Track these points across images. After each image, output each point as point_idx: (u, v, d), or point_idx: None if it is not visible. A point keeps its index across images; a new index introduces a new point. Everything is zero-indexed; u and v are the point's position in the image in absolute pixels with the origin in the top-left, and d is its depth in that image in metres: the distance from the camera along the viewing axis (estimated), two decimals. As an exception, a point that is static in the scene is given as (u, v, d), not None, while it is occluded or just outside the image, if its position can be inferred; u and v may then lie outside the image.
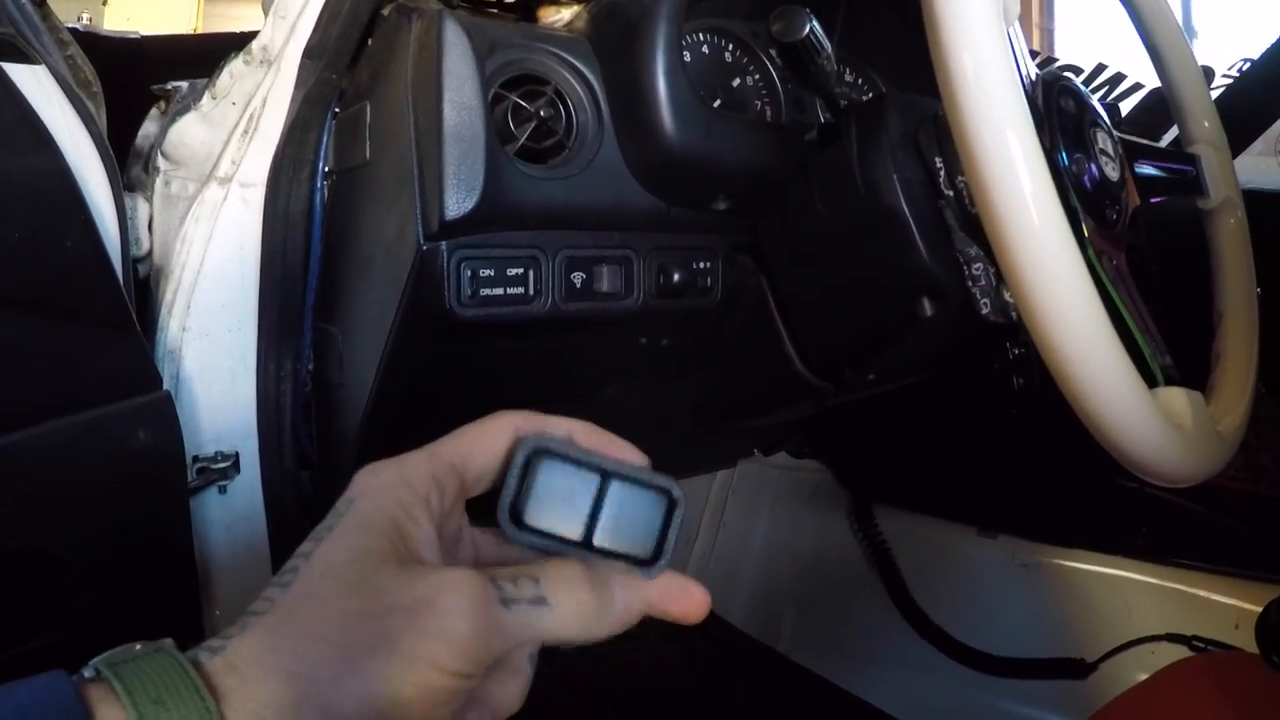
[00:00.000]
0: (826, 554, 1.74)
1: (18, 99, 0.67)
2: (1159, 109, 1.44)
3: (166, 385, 0.79)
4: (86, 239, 0.70)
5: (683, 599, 0.48)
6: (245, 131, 0.86)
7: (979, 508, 1.56)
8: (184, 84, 0.90)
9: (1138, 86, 1.60)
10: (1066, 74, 0.87)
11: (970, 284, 0.80)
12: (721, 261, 0.92)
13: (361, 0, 0.83)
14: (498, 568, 0.43)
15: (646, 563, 0.47)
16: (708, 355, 1.01)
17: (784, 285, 0.93)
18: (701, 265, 0.90)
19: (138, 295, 0.83)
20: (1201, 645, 1.33)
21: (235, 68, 0.88)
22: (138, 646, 0.39)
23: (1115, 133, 0.88)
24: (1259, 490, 1.35)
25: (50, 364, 0.68)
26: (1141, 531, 1.41)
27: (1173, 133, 1.14)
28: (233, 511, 0.88)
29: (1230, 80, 1.47)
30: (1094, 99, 0.88)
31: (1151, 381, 0.70)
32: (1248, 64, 1.47)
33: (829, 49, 0.84)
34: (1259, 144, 1.40)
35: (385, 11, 0.84)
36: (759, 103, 0.94)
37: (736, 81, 0.93)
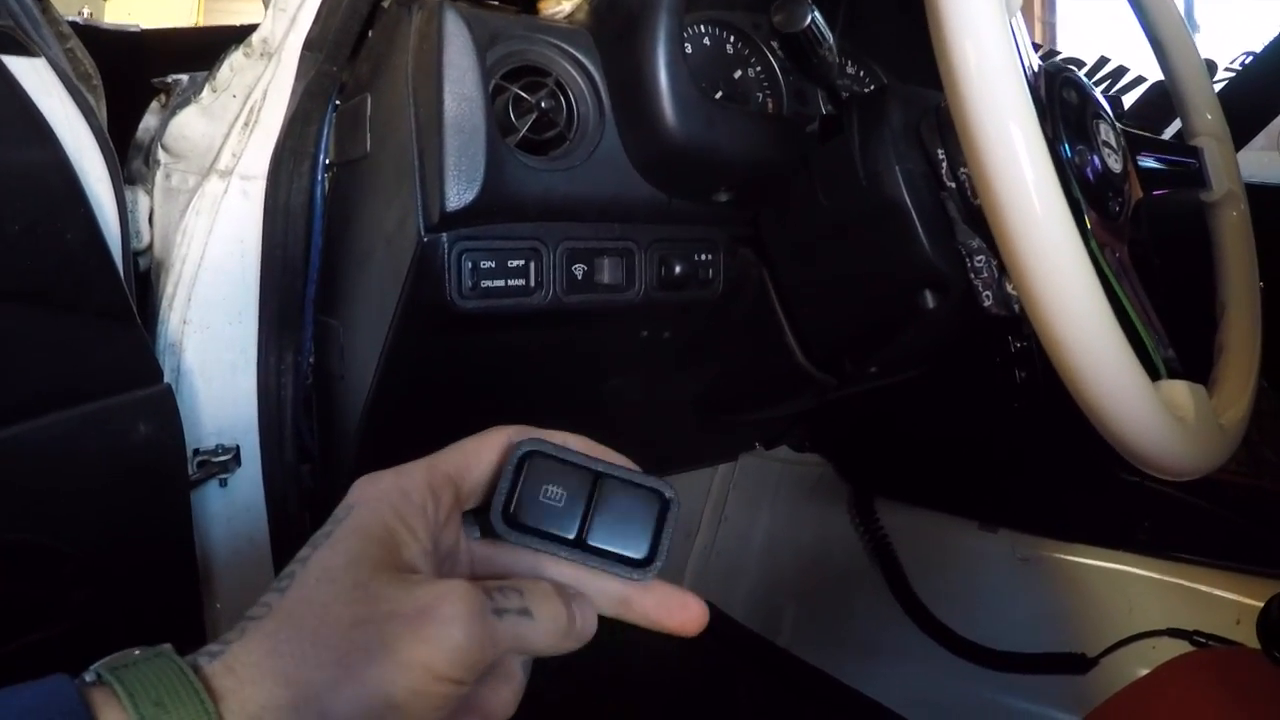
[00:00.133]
0: (828, 548, 1.74)
1: (17, 91, 0.67)
2: (1161, 102, 1.44)
3: (167, 378, 0.79)
4: (86, 231, 0.70)
5: (680, 611, 0.49)
6: (246, 124, 0.86)
7: (980, 502, 1.56)
8: (184, 77, 0.90)
9: (1140, 80, 1.59)
10: (1069, 66, 0.87)
11: (972, 276, 0.80)
12: (723, 253, 0.92)
13: (362, -8, 0.83)
14: (490, 580, 0.44)
15: (641, 563, 0.47)
16: (709, 348, 1.01)
17: (785, 277, 0.93)
18: (703, 257, 0.90)
19: (138, 288, 0.83)
20: (1203, 640, 1.33)
21: (235, 60, 0.88)
22: (137, 651, 0.40)
23: (1118, 125, 0.87)
24: (1261, 485, 1.35)
25: (50, 356, 0.68)
26: (1143, 526, 1.41)
27: (1175, 126, 1.13)
28: (234, 505, 0.88)
29: (1233, 74, 1.46)
30: (1096, 91, 0.87)
31: (1154, 374, 0.69)
32: (1250, 58, 1.47)
33: (831, 40, 0.84)
34: (1261, 138, 1.40)
35: (385, 3, 0.84)
36: (760, 94, 0.93)
37: (738, 73, 0.93)
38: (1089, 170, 0.79)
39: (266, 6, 0.87)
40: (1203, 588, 1.38)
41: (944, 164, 0.80)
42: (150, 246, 0.87)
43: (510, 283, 0.78)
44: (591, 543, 0.47)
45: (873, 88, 1.08)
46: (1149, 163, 0.94)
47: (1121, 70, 1.65)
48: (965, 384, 1.40)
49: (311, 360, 0.89)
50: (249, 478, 0.88)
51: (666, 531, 0.48)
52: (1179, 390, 0.71)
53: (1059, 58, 1.53)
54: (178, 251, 0.85)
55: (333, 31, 0.84)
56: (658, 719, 1.60)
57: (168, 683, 0.37)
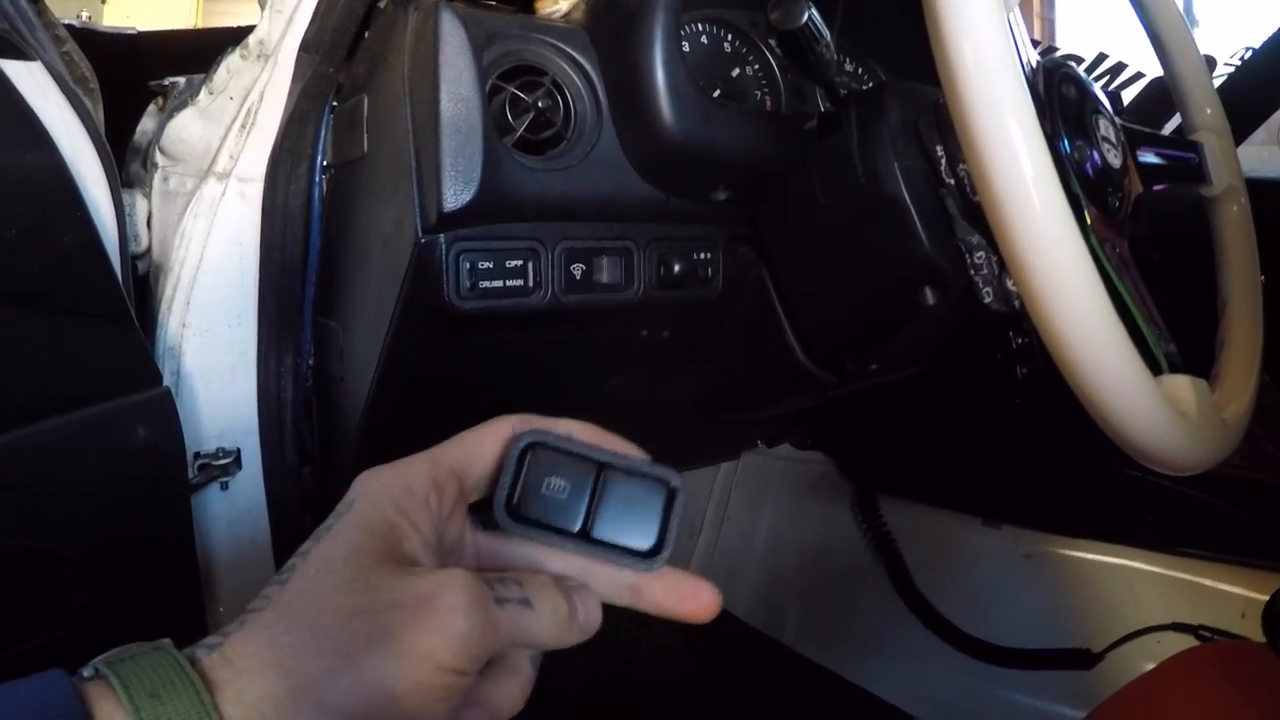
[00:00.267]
0: (830, 545, 1.74)
1: (13, 95, 0.67)
2: (1160, 98, 1.43)
3: (167, 382, 0.79)
4: (83, 235, 0.69)
5: (691, 599, 0.48)
6: (243, 126, 0.86)
7: (983, 498, 1.56)
8: (181, 80, 0.90)
9: (1139, 76, 1.59)
10: (1067, 62, 0.86)
11: (972, 273, 0.80)
12: (722, 252, 0.92)
13: (358, -7, 0.83)
14: (492, 573, 0.44)
15: (648, 554, 0.47)
16: (709, 346, 1.01)
17: (785, 275, 0.92)
18: (702, 256, 0.90)
19: (137, 292, 0.83)
20: (1208, 634, 1.33)
21: (232, 63, 0.88)
22: (136, 646, 0.39)
23: (1117, 120, 0.87)
24: (1264, 479, 1.35)
25: (48, 360, 0.68)
26: (1146, 521, 1.41)
27: (1174, 123, 1.13)
28: (235, 507, 0.88)
29: (1232, 69, 1.46)
30: (1095, 86, 0.87)
31: (1156, 369, 0.69)
32: (1249, 53, 1.46)
33: (828, 37, 0.84)
34: (1260, 133, 1.39)
35: (381, 4, 0.83)
36: (759, 92, 0.93)
37: (736, 71, 0.92)
38: (1088, 166, 0.79)
39: (263, 8, 0.87)
40: (1207, 582, 1.38)
41: (943, 161, 0.80)
42: (149, 250, 0.87)
43: (508, 283, 0.78)
44: (596, 535, 0.46)
45: (871, 85, 1.08)
46: (1149, 158, 0.93)
47: (1120, 66, 1.64)
48: (966, 381, 1.40)
49: (311, 362, 0.89)
50: (250, 480, 0.88)
51: (673, 520, 0.47)
52: (1181, 385, 0.71)
53: (1057, 54, 1.53)
54: (176, 254, 0.85)
55: (329, 33, 0.83)
56: (662, 717, 1.60)
57: (164, 675, 0.37)
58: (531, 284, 0.79)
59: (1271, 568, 1.33)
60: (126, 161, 0.91)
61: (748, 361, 1.02)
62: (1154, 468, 0.68)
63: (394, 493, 0.43)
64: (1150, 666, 0.99)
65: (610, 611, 0.47)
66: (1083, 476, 1.44)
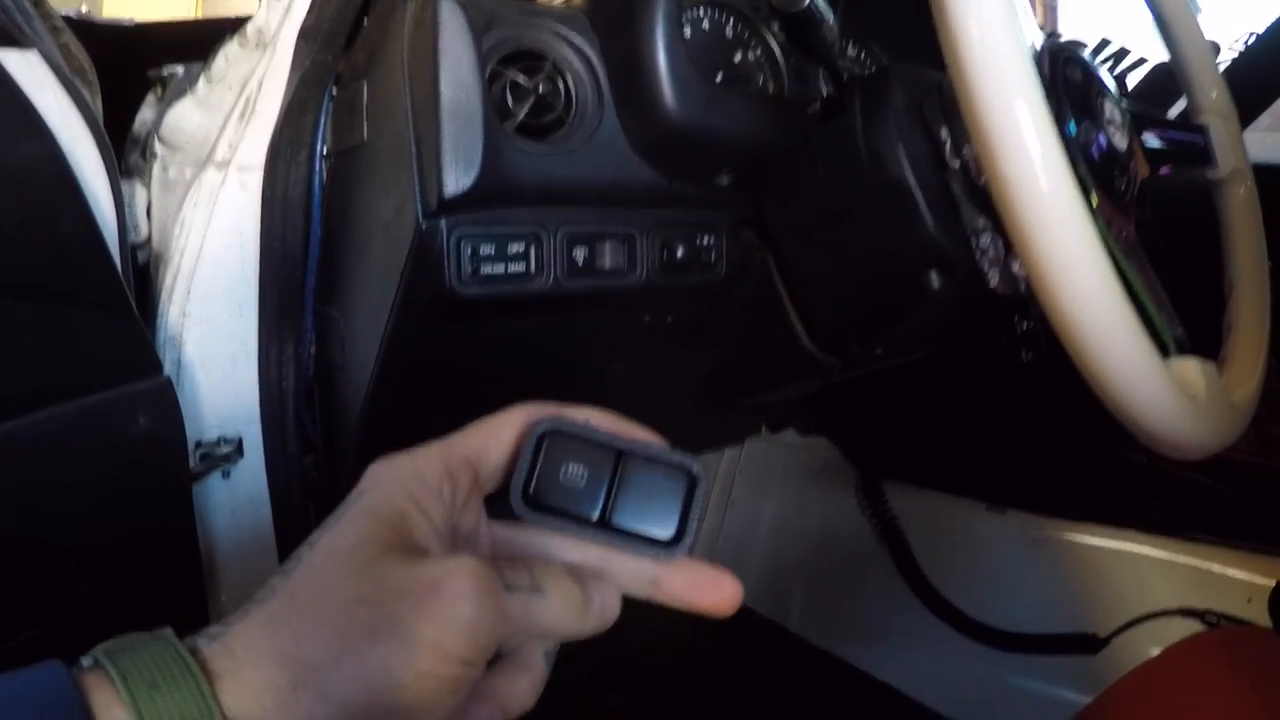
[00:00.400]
0: (835, 531, 1.74)
1: (9, 84, 0.67)
2: (1164, 84, 1.43)
3: (168, 371, 0.79)
4: (82, 224, 0.69)
5: (713, 591, 0.47)
6: (242, 115, 0.85)
7: (988, 483, 1.56)
8: (180, 69, 0.90)
9: (1141, 61, 1.58)
10: (1072, 44, 0.86)
11: (978, 256, 0.79)
12: (725, 237, 0.91)
13: (356, -21, 0.82)
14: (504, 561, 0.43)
15: (669, 544, 0.46)
16: (713, 332, 1.01)
17: (789, 260, 0.92)
18: (705, 241, 0.89)
19: (137, 282, 0.82)
20: (1214, 620, 1.33)
21: (230, 51, 0.87)
22: (136, 636, 0.39)
23: (1122, 102, 0.87)
24: (1270, 464, 1.34)
25: (47, 350, 0.68)
26: (1153, 506, 1.41)
27: (1177, 109, 1.13)
28: (237, 496, 0.88)
29: (1236, 54, 1.45)
30: (1100, 68, 0.86)
31: (1164, 352, 0.68)
32: (1253, 38, 1.46)
33: (831, 19, 0.83)
34: (1265, 118, 1.39)
35: (380, -10, 0.83)
36: (761, 77, 0.92)
37: (738, 56, 0.92)
38: (1094, 148, 0.78)
39: (261, -3, 0.86)
40: (1213, 567, 1.38)
41: (947, 143, 0.79)
42: (148, 240, 0.87)
43: (510, 268, 0.77)
44: (616, 523, 0.45)
45: (874, 69, 1.07)
46: (1154, 141, 0.93)
47: (1123, 52, 1.63)
48: (971, 366, 1.40)
49: (312, 351, 0.89)
50: (252, 469, 0.88)
51: (694, 509, 0.46)
52: (1189, 367, 0.71)
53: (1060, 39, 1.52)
54: (176, 244, 0.84)
55: (327, 20, 0.83)
56: (667, 704, 1.61)
57: (163, 665, 0.36)
58: (533, 269, 0.78)
59: (1278, 553, 1.33)
60: (125, 152, 0.90)
61: (752, 347, 1.01)
62: (1162, 451, 0.67)
63: (406, 481, 0.43)
64: (1156, 652, 1.00)
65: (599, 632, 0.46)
66: (1088, 461, 1.44)
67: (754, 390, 1.10)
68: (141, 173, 0.88)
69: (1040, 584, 1.49)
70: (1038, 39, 0.78)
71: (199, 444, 0.84)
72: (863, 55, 1.06)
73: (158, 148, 0.88)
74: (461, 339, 0.84)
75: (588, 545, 0.46)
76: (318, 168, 0.86)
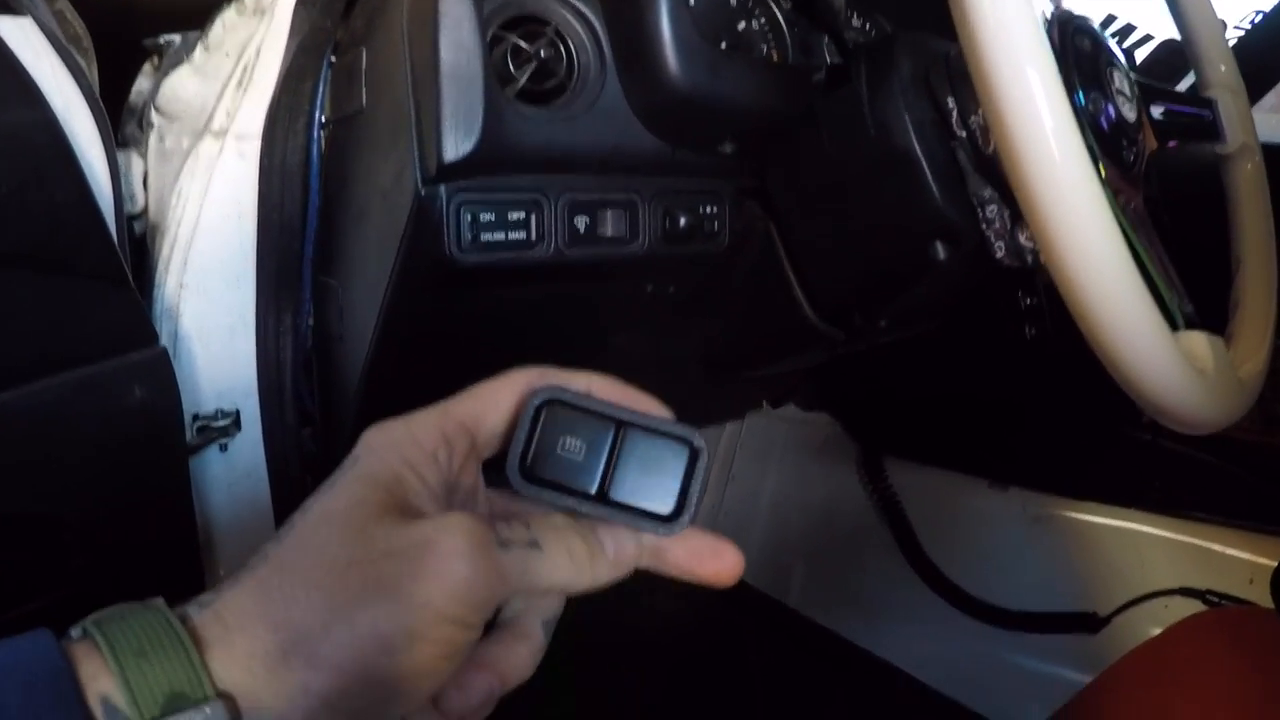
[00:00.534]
0: (836, 507, 1.74)
1: (2, 50, 0.66)
2: (1170, 61, 1.43)
3: (164, 343, 0.78)
4: (77, 193, 0.68)
5: (713, 560, 0.46)
6: (239, 83, 0.85)
7: (990, 460, 1.55)
8: (176, 37, 0.89)
9: (1148, 38, 1.58)
10: (1081, 14, 0.85)
11: (984, 227, 0.79)
12: (729, 206, 0.90)
13: (355, -56, 0.81)
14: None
15: (668, 518, 0.45)
16: (715, 302, 1.00)
17: (793, 230, 0.91)
18: (708, 210, 0.88)
19: (134, 253, 0.82)
20: (1215, 600, 1.33)
21: (228, 18, 0.86)
22: (127, 606, 0.38)
23: (1131, 74, 0.86)
24: (1273, 442, 1.34)
25: (42, 320, 0.67)
26: (1155, 484, 1.40)
27: (1183, 86, 1.12)
28: (235, 470, 0.88)
29: (1242, 32, 1.45)
30: (1110, 39, 0.86)
31: (1172, 325, 0.68)
32: (1260, 16, 1.46)
33: None
34: (1271, 97, 1.38)
35: (379, -46, 0.82)
36: (765, 46, 0.92)
37: (742, 24, 0.91)
38: (1103, 119, 0.78)
39: (260, -37, 0.85)
40: (1215, 547, 1.38)
41: (954, 113, 0.79)
42: (145, 210, 0.86)
43: (511, 236, 0.76)
44: (614, 497, 0.44)
45: (880, 37, 1.06)
46: (1162, 114, 0.92)
47: (1129, 28, 1.63)
48: (975, 342, 1.39)
49: (311, 322, 0.88)
50: (250, 442, 0.87)
51: (695, 483, 0.45)
52: (1198, 341, 0.70)
53: (1068, 13, 1.52)
54: (173, 214, 0.83)
55: (326, -15, 0.82)
56: (667, 681, 1.61)
57: (152, 633, 0.36)
58: (534, 237, 0.78)
59: (1280, 533, 1.33)
60: (122, 122, 0.89)
61: (754, 318, 1.01)
62: (1169, 425, 0.67)
63: (401, 446, 0.42)
64: (1157, 631, 1.00)
65: (620, 579, 0.46)
66: (1091, 439, 1.43)
67: (756, 363, 1.10)
68: (138, 143, 0.88)
69: (1041, 562, 1.49)
70: (1047, 8, 0.77)
71: (196, 417, 0.84)
72: (867, 25, 1.05)
73: (154, 117, 0.87)
74: (461, 308, 0.83)
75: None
76: (316, 136, 0.85)
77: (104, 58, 0.82)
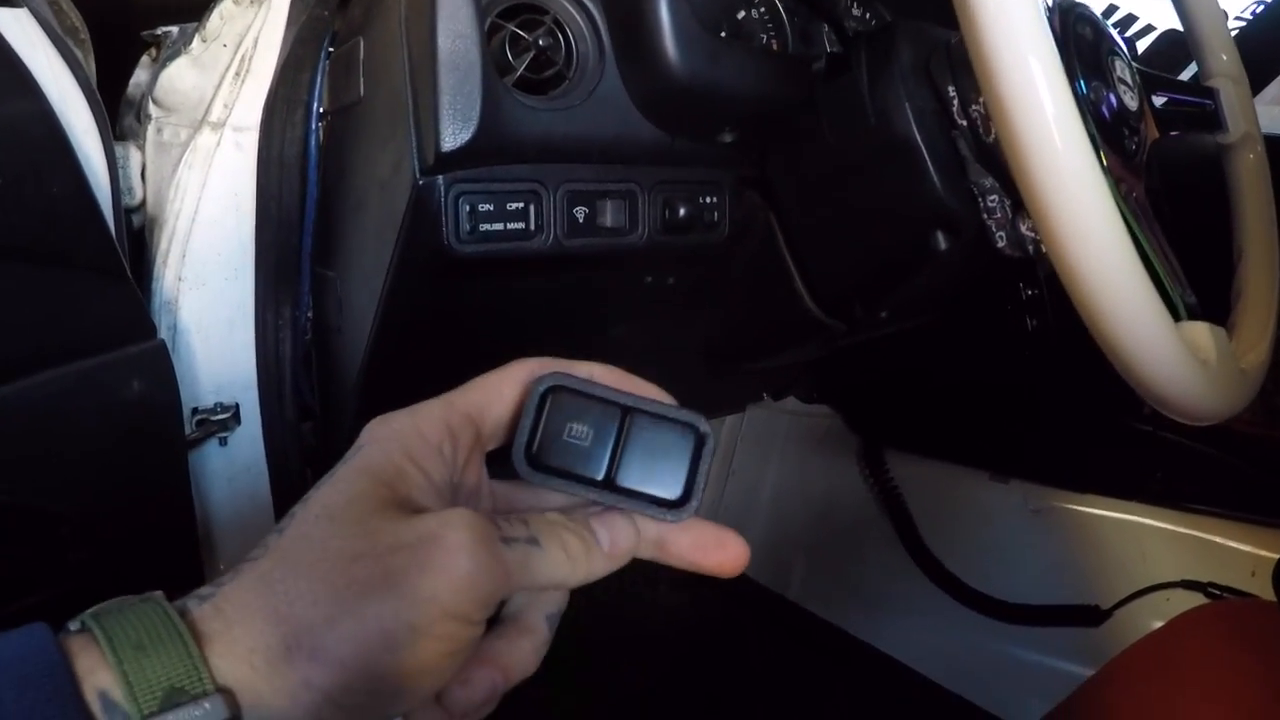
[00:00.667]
0: (837, 500, 1.74)
1: (-2, 41, 0.65)
2: (1171, 52, 1.43)
3: (163, 336, 0.78)
4: (74, 185, 0.68)
5: (718, 551, 0.46)
6: (237, 74, 0.84)
7: (992, 452, 1.55)
8: (174, 28, 0.88)
9: (1149, 29, 1.58)
10: (1082, 3, 0.84)
11: (985, 216, 0.78)
12: (728, 196, 0.90)
13: (352, -66, 0.81)
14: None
15: (675, 504, 0.45)
16: (715, 294, 1.00)
17: (793, 220, 0.91)
18: (708, 200, 0.88)
19: (132, 246, 0.82)
20: (1217, 592, 1.33)
21: (225, 9, 0.86)
22: (126, 599, 0.38)
23: (1133, 62, 0.85)
24: (1275, 435, 1.34)
25: (40, 313, 0.67)
26: (1156, 476, 1.40)
27: (1185, 76, 1.12)
28: (234, 464, 0.87)
29: (1244, 23, 1.45)
30: (1111, 28, 0.85)
31: (1175, 315, 0.67)
32: (1262, 7, 1.45)
33: None
34: (1272, 88, 1.38)
35: (377, -56, 0.81)
36: (764, 36, 0.91)
37: (741, 13, 0.90)
38: (1104, 107, 0.77)
39: (257, -47, 0.85)
40: (1217, 539, 1.37)
41: (955, 101, 0.78)
42: (143, 203, 0.86)
43: (509, 226, 0.76)
44: (621, 484, 0.44)
45: (880, 25, 1.06)
46: (1164, 103, 0.92)
47: (1130, 18, 1.63)
48: (975, 333, 1.39)
49: (309, 314, 0.88)
50: (249, 436, 0.87)
51: (702, 468, 0.45)
52: (1200, 332, 0.70)
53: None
54: (171, 207, 0.83)
55: (324, -26, 0.82)
56: (668, 674, 1.61)
57: (150, 626, 0.35)
58: (533, 227, 0.77)
59: (1282, 525, 1.33)
60: (120, 114, 0.89)
61: (755, 309, 1.00)
62: (1172, 416, 0.67)
63: (404, 438, 0.41)
64: (1159, 624, 0.99)
65: (617, 569, 0.45)
66: (1092, 431, 1.43)
67: (757, 354, 1.09)
68: (136, 135, 0.87)
69: (1043, 554, 1.49)
70: (1048, -4, 0.77)
71: (195, 410, 0.84)
72: (867, 14, 1.05)
73: (152, 109, 0.87)
74: (460, 299, 0.83)
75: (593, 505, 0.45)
76: (314, 127, 0.85)
77: (101, 50, 0.82)
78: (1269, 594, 1.02)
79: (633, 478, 0.44)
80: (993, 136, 0.76)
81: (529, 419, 0.44)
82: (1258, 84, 1.31)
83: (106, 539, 0.73)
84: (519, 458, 0.44)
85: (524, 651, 0.44)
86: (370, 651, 0.36)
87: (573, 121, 0.77)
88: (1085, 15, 0.81)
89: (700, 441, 0.45)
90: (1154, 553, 1.41)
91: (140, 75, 0.90)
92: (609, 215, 0.81)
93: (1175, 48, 1.55)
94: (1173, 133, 0.92)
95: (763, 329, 1.04)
